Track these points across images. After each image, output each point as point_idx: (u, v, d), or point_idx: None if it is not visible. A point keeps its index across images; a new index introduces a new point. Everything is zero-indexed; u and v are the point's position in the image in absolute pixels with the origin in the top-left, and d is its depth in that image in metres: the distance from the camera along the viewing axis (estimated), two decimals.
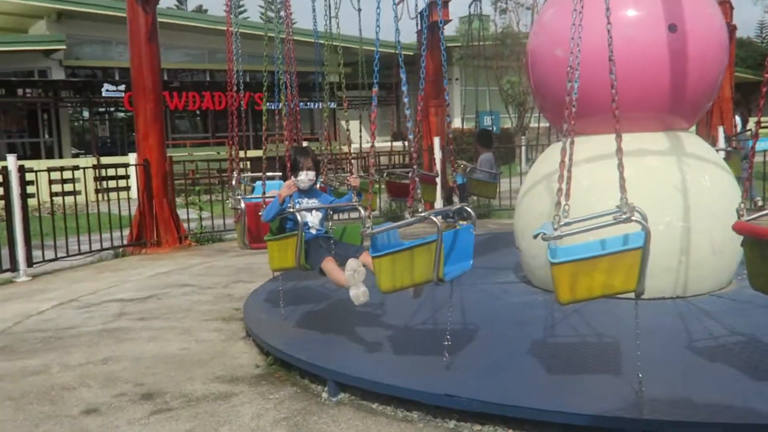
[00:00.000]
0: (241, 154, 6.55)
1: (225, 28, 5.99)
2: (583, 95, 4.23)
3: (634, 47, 5.02)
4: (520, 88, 25.34)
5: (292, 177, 4.68)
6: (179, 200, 12.08)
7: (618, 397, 3.34)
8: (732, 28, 11.74)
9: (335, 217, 5.18)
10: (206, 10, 42.71)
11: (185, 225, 10.28)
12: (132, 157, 14.18)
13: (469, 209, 4.00)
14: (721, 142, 10.08)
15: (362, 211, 4.53)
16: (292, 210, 4.49)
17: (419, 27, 11.04)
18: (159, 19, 10.07)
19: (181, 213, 10.53)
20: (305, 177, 4.73)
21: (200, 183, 14.45)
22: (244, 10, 43.94)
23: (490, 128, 18.73)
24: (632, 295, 3.32)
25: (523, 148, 21.83)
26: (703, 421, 3.05)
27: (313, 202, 4.75)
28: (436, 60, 11.38)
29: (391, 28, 4.37)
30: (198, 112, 27.26)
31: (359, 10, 7.76)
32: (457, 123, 24.82)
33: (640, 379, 3.37)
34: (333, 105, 7.73)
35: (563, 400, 3.36)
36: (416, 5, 10.29)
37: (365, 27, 7.89)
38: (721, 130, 10.50)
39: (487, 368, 3.84)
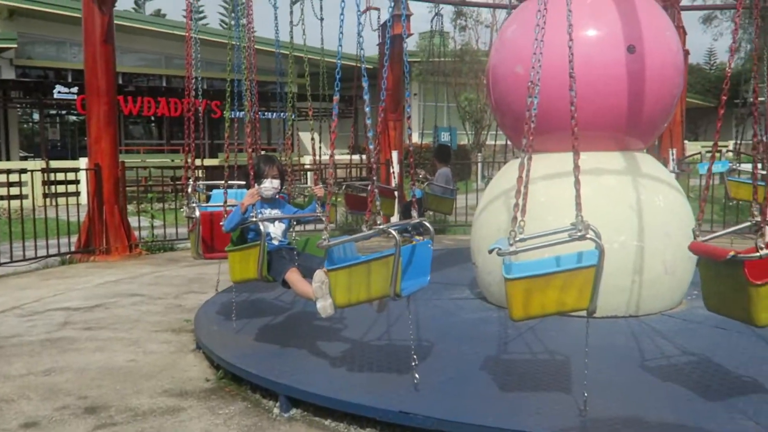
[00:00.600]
0: (197, 162, 6.41)
1: (183, 33, 5.88)
2: (543, 112, 4.26)
3: (593, 67, 5.09)
4: (477, 105, 25.62)
5: (256, 185, 4.58)
6: (131, 207, 11.80)
7: (571, 415, 3.34)
8: (685, 53, 12.05)
9: (297, 228, 5.11)
10: (165, 15, 42.08)
11: (136, 233, 10.04)
12: (83, 162, 13.81)
13: (427, 224, 3.97)
14: (672, 165, 10.29)
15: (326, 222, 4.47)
16: (254, 220, 4.40)
17: (381, 39, 11.05)
18: (116, 22, 9.86)
19: (133, 221, 10.29)
20: (269, 185, 4.62)
21: (153, 190, 14.15)
22: (204, 16, 43.48)
23: (448, 143, 18.83)
24: (585, 312, 3.32)
25: (479, 165, 22.02)
26: None
27: (276, 213, 4.65)
28: (397, 73, 11.40)
29: (352, 40, 4.33)
30: (153, 118, 26.79)
31: (321, 19, 7.72)
32: (414, 138, 24.93)
33: (590, 397, 3.38)
34: (294, 116, 7.66)
35: (518, 417, 3.34)
36: (378, 17, 10.30)
37: (327, 37, 7.86)
38: (671, 152, 10.72)
39: (441, 385, 3.80)
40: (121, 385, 4.32)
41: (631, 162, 5.42)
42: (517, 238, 3.38)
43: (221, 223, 4.63)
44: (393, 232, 3.53)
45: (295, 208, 4.92)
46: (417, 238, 3.85)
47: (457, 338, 4.76)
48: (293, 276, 4.29)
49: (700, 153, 11.80)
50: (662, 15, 5.66)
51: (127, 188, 10.18)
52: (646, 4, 5.48)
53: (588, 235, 3.27)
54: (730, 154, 14.36)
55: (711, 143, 3.64)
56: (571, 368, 4.04)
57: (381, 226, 3.68)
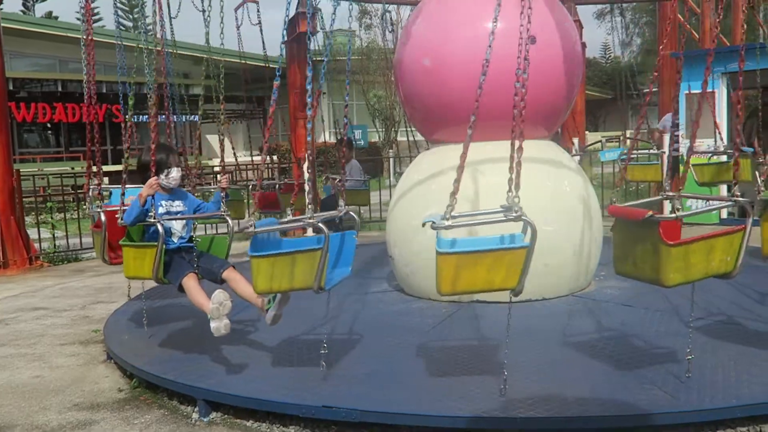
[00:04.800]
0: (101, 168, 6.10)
1: (77, 36, 5.59)
2: (457, 103, 4.30)
3: (497, 58, 5.16)
4: (386, 102, 25.76)
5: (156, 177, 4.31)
6: (29, 219, 11.18)
7: (493, 397, 3.40)
8: (583, 45, 12.48)
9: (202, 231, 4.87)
10: (57, 17, 40.02)
11: (36, 245, 9.53)
12: None
13: (353, 215, 3.95)
14: (575, 152, 10.67)
15: (230, 222, 4.31)
16: (154, 221, 4.17)
17: (285, 37, 10.87)
18: (3, 24, 9.31)
19: (32, 232, 9.76)
20: (176, 174, 4.35)
21: (53, 200, 13.45)
22: (99, 18, 41.55)
23: (354, 138, 18.77)
24: (501, 298, 3.37)
25: (391, 161, 22.15)
26: (575, 415, 3.15)
27: (177, 204, 4.41)
28: (303, 71, 11.28)
29: (257, 40, 4.23)
30: (49, 125, 25.54)
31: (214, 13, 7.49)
32: (326, 137, 24.82)
33: (511, 378, 3.45)
34: (196, 118, 7.48)
35: (441, 404, 3.37)
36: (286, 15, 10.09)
37: (231, 38, 7.67)
38: (575, 141, 11.11)
39: (365, 377, 3.78)
40: (25, 402, 4.08)
41: (538, 150, 5.54)
42: (452, 213, 3.37)
43: (116, 216, 4.36)
44: (323, 227, 3.45)
45: (198, 200, 4.68)
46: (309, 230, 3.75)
47: (380, 330, 4.76)
48: (189, 283, 4.09)
49: (600, 141, 12.28)
50: (560, 8, 5.83)
51: (24, 199, 9.65)
52: None
53: (524, 217, 3.33)
54: (629, 141, 15.01)
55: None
56: (492, 352, 4.10)
57: (311, 219, 3.57)
